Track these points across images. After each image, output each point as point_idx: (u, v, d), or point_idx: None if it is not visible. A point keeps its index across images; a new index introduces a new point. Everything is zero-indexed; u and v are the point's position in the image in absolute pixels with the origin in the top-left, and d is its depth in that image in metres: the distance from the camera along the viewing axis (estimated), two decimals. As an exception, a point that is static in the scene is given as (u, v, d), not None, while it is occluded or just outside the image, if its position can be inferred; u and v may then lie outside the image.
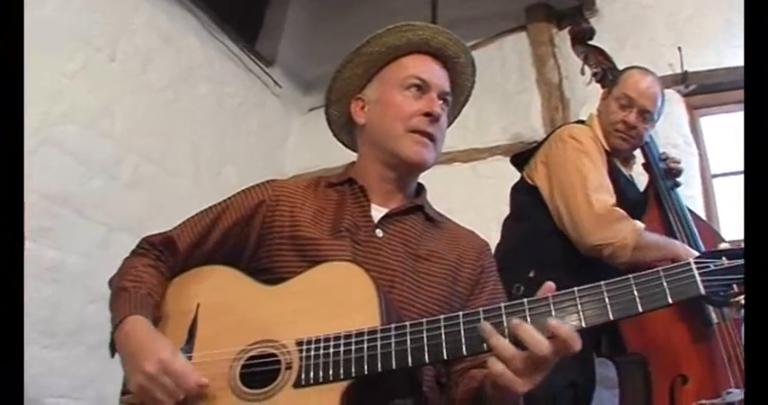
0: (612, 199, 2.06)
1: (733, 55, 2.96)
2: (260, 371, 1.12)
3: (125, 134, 2.70)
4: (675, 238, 2.11)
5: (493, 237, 2.29)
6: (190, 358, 1.18)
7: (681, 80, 2.98)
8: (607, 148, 2.21)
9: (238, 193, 1.48)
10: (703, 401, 1.86)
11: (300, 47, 4.01)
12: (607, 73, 2.49)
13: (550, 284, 1.08)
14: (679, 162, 2.35)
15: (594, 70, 2.52)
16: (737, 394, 1.84)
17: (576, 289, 1.04)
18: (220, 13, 3.35)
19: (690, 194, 2.71)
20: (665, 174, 2.30)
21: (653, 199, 2.30)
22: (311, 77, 4.00)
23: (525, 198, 2.24)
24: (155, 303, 1.29)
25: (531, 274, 2.00)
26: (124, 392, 1.21)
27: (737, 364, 1.93)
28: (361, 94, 1.54)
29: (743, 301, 1.00)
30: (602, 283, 1.04)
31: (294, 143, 3.79)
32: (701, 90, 3.02)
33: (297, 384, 1.08)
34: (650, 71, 2.32)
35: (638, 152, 2.36)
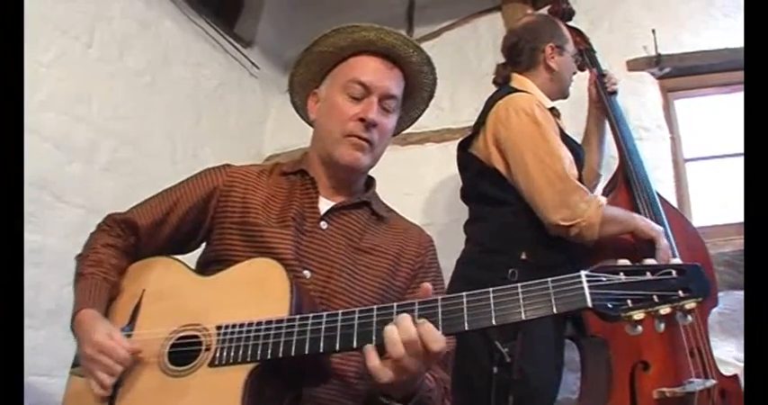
0: (574, 170, 2.07)
1: (710, 37, 2.96)
2: (185, 351, 1.25)
3: (102, 119, 2.74)
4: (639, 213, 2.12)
5: (464, 211, 2.36)
6: (130, 335, 1.31)
7: (655, 62, 2.97)
8: (547, 110, 2.19)
9: (192, 178, 1.56)
10: (664, 389, 1.90)
11: (280, 27, 3.97)
12: (584, 54, 2.56)
13: (427, 286, 1.16)
14: (615, 83, 2.54)
15: (571, 50, 2.58)
16: (699, 384, 1.88)
17: (465, 293, 1.08)
18: (200, -3, 3.32)
19: (660, 178, 2.73)
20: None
21: (621, 182, 2.32)
22: (290, 58, 3.89)
23: (490, 181, 2.19)
24: (111, 285, 1.41)
25: (524, 256, 2.01)
26: (75, 365, 1.36)
27: (700, 356, 1.97)
28: (317, 90, 1.59)
29: (636, 317, 1.02)
30: (489, 289, 1.07)
31: (272, 124, 3.78)
32: (676, 73, 3.01)
33: (212, 363, 1.20)
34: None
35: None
